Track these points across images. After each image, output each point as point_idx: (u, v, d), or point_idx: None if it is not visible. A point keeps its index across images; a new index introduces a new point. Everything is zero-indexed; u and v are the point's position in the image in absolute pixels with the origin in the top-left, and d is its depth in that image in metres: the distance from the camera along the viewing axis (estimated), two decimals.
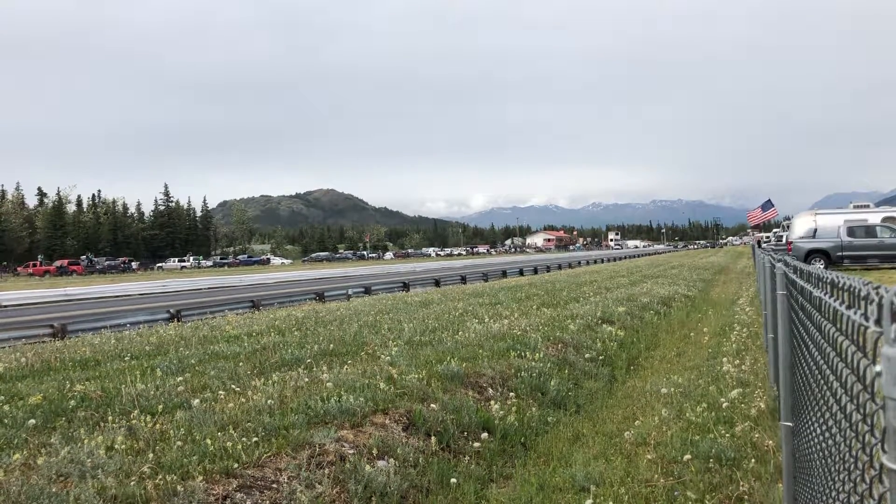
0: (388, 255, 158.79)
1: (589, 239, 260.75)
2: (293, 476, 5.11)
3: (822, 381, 2.43)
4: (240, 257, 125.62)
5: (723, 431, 6.13)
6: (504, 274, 38.87)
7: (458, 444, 6.52)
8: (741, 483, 5.04)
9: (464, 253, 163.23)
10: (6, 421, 6.05)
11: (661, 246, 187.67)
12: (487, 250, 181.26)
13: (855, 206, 29.72)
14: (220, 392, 7.05)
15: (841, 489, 1.93)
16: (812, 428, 2.87)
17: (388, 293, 25.98)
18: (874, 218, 26.86)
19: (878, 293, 1.46)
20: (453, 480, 5.70)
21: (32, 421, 5.99)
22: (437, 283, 31.31)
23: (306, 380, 7.51)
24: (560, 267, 47.93)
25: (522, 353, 9.67)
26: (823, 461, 2.44)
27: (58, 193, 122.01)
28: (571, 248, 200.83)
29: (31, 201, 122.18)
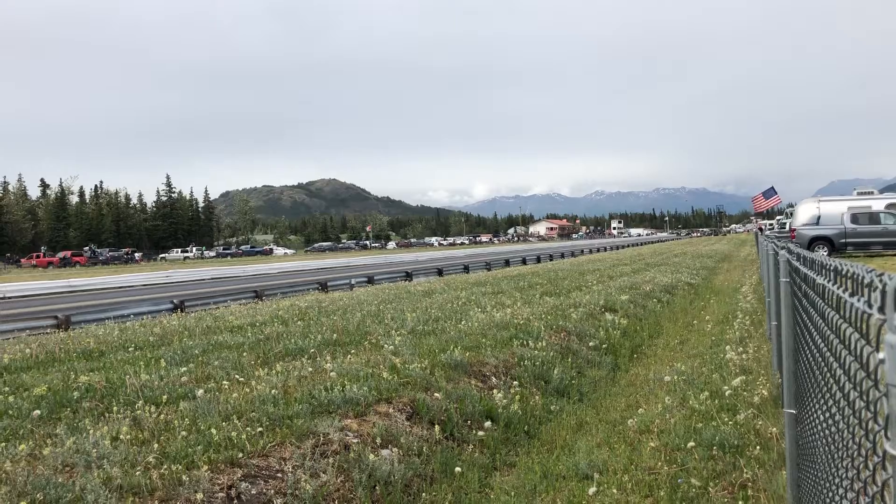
0: (391, 244, 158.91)
1: (592, 227, 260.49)
2: (298, 465, 5.13)
3: (825, 369, 2.43)
4: (243, 248, 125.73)
5: (726, 419, 6.14)
6: (507, 263, 38.86)
7: (461, 432, 6.54)
8: (745, 470, 5.05)
9: (466, 242, 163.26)
10: (11, 412, 6.08)
11: (665, 234, 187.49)
12: (490, 239, 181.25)
13: (858, 193, 29.64)
14: (224, 382, 7.07)
15: (844, 476, 1.93)
16: (815, 415, 2.87)
17: (391, 283, 25.99)
18: (878, 204, 26.79)
19: (881, 280, 1.46)
20: (457, 469, 5.72)
21: (37, 412, 6.02)
22: (439, 272, 31.31)
23: (310, 369, 7.53)
24: (563, 256, 47.88)
25: (525, 342, 9.68)
26: (826, 448, 2.44)
27: (60, 185, 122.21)
28: (574, 236, 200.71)
29: (34, 193, 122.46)
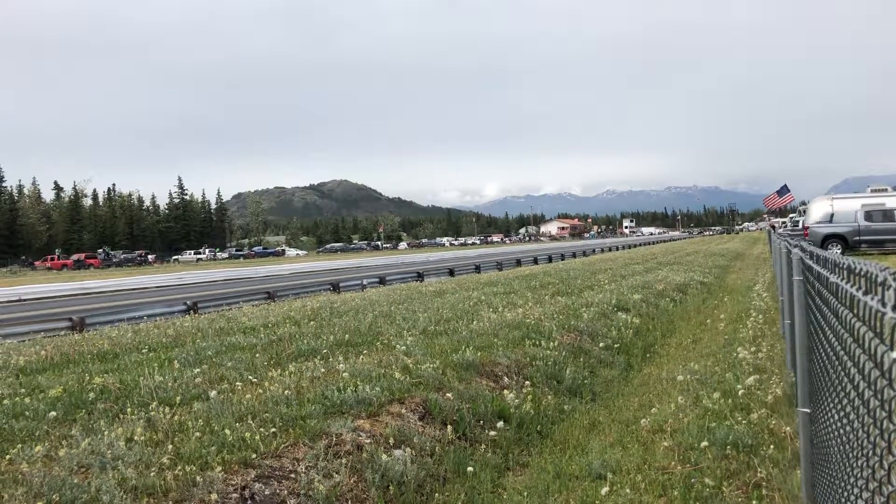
0: (403, 245, 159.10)
1: (603, 227, 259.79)
2: (311, 466, 5.15)
3: (839, 368, 2.42)
4: (255, 249, 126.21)
5: (739, 418, 6.11)
6: (518, 263, 38.81)
7: (474, 432, 6.54)
8: (759, 470, 5.03)
9: (477, 242, 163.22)
10: (28, 413, 6.13)
11: (677, 233, 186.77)
12: (501, 239, 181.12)
13: (872, 190, 29.33)
14: (238, 383, 7.10)
15: (859, 475, 1.92)
16: (829, 414, 2.86)
17: (403, 283, 26.02)
18: (892, 202, 26.51)
19: (895, 279, 1.45)
20: (470, 469, 5.72)
21: (53, 413, 6.07)
22: (451, 272, 31.32)
23: (322, 370, 7.55)
24: (574, 255, 47.78)
25: (537, 342, 9.67)
26: (841, 447, 2.43)
27: (74, 188, 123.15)
28: (586, 235, 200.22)
29: (48, 196, 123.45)
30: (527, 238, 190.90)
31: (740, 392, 6.89)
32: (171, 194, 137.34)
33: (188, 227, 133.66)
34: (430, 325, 10.95)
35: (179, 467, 4.75)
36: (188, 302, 18.39)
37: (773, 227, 54.23)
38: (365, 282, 25.40)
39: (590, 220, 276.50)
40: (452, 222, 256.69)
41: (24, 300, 32.10)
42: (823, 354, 3.13)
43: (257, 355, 8.85)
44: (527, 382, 8.01)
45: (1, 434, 5.58)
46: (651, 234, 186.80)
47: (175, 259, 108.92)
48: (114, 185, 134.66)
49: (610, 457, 5.75)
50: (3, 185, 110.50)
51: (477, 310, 13.07)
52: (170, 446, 5.10)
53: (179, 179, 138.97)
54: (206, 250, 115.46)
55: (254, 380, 7.30)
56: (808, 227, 26.75)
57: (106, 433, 5.32)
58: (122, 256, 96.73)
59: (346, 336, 10.08)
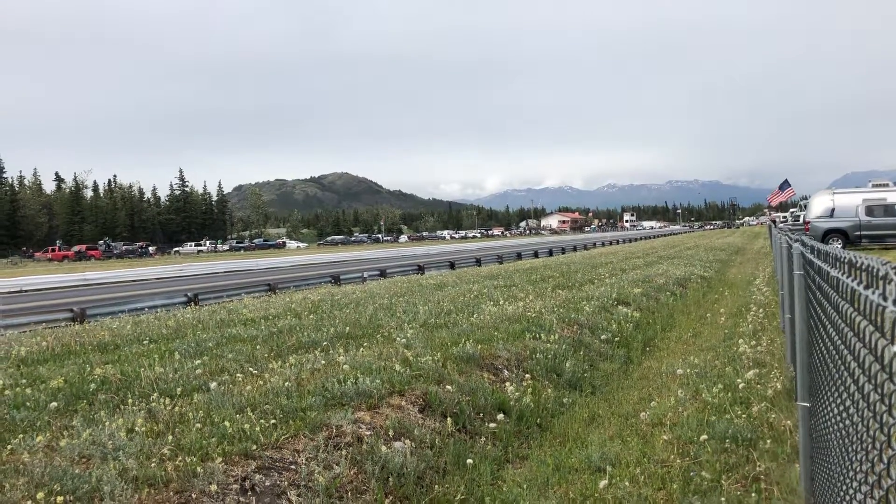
0: (403, 238, 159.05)
1: (604, 220, 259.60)
2: (311, 457, 5.16)
3: (839, 362, 2.42)
4: (256, 241, 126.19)
5: (739, 412, 6.12)
6: (519, 256, 38.80)
7: (473, 425, 6.55)
8: (758, 463, 5.04)
9: (478, 235, 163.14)
10: (29, 404, 6.14)
11: (677, 227, 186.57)
12: (502, 232, 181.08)
13: (873, 185, 29.27)
14: (238, 375, 7.12)
15: (858, 469, 1.92)
16: (829, 408, 2.86)
17: (403, 276, 26.01)
18: (893, 196, 26.46)
19: None
20: (469, 461, 5.73)
21: (54, 404, 6.09)
22: (451, 265, 31.31)
23: (323, 362, 7.56)
24: (575, 249, 47.79)
25: (537, 335, 9.68)
26: (841, 442, 2.43)
27: (74, 179, 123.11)
28: (586, 229, 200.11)
29: (49, 187, 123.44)
30: (527, 231, 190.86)
31: (740, 386, 6.90)
32: (172, 186, 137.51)
33: (189, 219, 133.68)
34: (430, 318, 10.95)
35: (180, 458, 4.76)
36: (189, 294, 18.39)
37: (774, 221, 54.21)
38: (365, 274, 25.41)
39: (591, 214, 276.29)
40: (453, 215, 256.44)
41: (26, 291, 32.13)
42: (823, 349, 3.13)
43: (258, 347, 8.86)
44: (527, 375, 8.02)
45: (2, 424, 5.60)
46: (652, 227, 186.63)
47: (176, 251, 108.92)
48: (115, 176, 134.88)
49: (609, 450, 5.76)
50: (4, 176, 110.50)
51: (477, 303, 13.08)
52: (170, 437, 5.12)
53: (180, 171, 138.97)
54: (207, 242, 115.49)
55: (254, 371, 7.32)
56: (808, 222, 26.71)
57: (107, 424, 5.34)
58: (122, 248, 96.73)
59: (347, 328, 10.09)
